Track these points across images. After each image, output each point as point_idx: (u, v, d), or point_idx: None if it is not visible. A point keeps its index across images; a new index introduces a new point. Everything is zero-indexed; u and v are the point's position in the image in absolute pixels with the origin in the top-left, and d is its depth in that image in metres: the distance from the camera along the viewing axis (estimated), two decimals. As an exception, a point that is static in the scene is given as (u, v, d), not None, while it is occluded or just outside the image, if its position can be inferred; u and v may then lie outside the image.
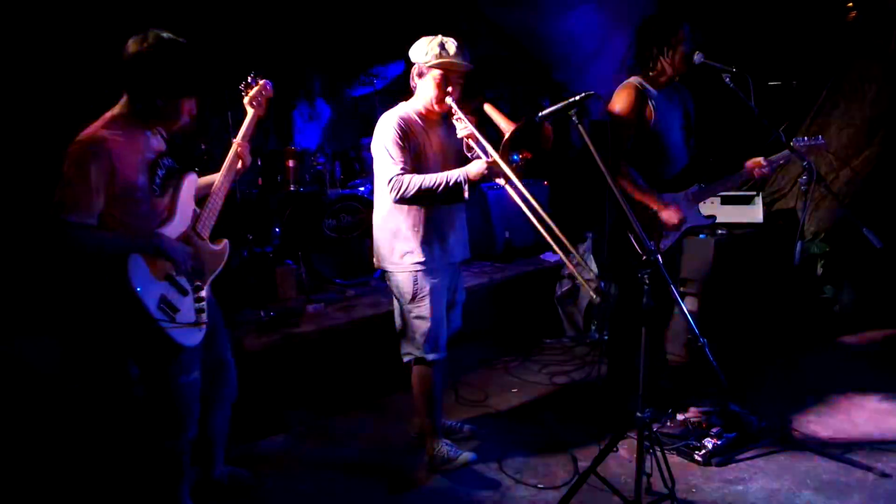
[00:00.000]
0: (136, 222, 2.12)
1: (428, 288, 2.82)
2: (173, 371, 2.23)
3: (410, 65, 2.81)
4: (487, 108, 2.84)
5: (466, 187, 2.64)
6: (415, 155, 2.74)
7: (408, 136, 2.73)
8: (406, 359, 2.93)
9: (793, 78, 5.49)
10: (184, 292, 2.22)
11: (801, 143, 3.09)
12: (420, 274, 2.81)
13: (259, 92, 2.59)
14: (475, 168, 2.65)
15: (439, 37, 2.74)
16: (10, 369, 2.83)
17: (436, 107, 2.77)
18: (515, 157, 2.63)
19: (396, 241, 2.82)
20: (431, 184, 2.65)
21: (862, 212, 4.74)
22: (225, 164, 2.48)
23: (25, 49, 3.72)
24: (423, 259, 2.80)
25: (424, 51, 2.73)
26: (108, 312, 2.09)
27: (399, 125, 2.72)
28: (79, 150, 1.98)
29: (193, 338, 2.21)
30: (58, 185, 1.96)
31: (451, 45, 2.72)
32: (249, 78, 2.61)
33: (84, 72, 3.63)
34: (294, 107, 5.24)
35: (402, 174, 2.67)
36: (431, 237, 2.82)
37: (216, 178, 2.46)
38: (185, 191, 2.32)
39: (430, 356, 2.87)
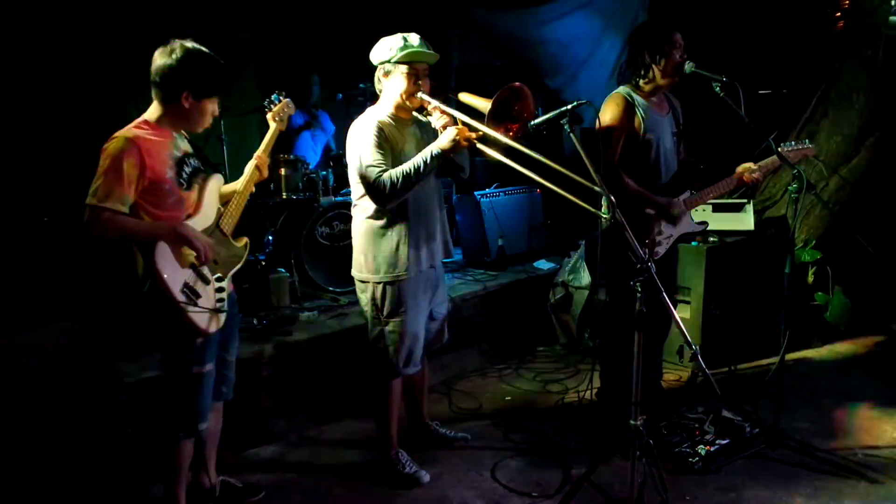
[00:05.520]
0: (164, 213, 2.28)
1: (408, 302, 2.77)
2: (190, 359, 2.36)
3: (374, 69, 2.76)
4: (463, 96, 2.77)
5: (437, 160, 2.57)
6: (393, 158, 2.66)
7: (386, 139, 2.66)
8: (375, 372, 2.85)
9: (783, 87, 5.55)
10: (206, 281, 2.36)
11: (790, 149, 3.11)
12: (401, 287, 2.75)
13: (282, 108, 2.79)
14: (445, 138, 2.57)
15: (399, 34, 2.69)
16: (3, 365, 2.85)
17: (407, 103, 2.71)
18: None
19: (376, 250, 2.74)
20: (407, 170, 2.57)
21: (852, 219, 4.79)
22: (246, 173, 2.64)
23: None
24: (404, 270, 2.73)
25: (388, 47, 2.67)
26: (134, 294, 2.25)
27: (376, 128, 2.65)
28: (114, 145, 2.19)
29: (211, 324, 2.34)
30: (95, 176, 2.17)
31: (414, 37, 2.68)
32: (273, 95, 2.81)
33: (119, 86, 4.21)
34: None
35: (383, 175, 2.59)
36: (412, 247, 2.75)
37: (237, 185, 2.63)
38: (211, 189, 2.49)
39: (404, 371, 2.84)
